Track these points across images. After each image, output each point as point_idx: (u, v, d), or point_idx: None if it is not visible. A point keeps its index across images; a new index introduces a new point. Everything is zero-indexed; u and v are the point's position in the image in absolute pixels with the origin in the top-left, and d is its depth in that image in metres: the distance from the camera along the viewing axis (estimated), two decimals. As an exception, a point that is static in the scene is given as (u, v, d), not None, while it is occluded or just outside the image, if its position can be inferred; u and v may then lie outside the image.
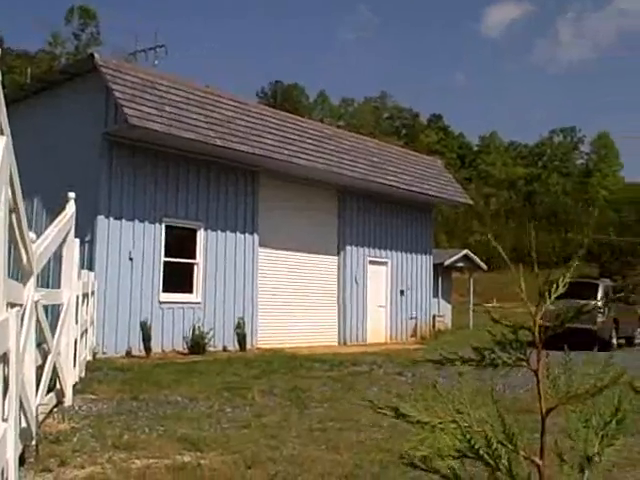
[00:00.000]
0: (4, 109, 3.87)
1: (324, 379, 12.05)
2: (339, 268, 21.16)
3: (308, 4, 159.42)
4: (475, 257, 32.67)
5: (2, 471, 3.45)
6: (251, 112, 17.91)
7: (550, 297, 1.39)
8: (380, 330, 22.35)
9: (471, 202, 27.37)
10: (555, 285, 1.41)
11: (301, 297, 19.75)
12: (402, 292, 23.34)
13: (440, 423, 1.23)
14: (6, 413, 3.56)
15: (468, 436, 1.20)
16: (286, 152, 17.79)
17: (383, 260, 22.68)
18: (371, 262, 22.19)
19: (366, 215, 22.08)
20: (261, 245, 18.44)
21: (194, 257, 16.88)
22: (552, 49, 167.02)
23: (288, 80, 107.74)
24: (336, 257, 21.15)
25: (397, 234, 23.28)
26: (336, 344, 20.56)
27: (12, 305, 4.17)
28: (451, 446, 1.21)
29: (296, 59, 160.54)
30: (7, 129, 3.98)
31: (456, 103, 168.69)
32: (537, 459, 1.25)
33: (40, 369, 6.84)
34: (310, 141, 18.91)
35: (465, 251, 32.61)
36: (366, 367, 14.11)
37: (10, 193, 4.18)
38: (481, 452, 1.19)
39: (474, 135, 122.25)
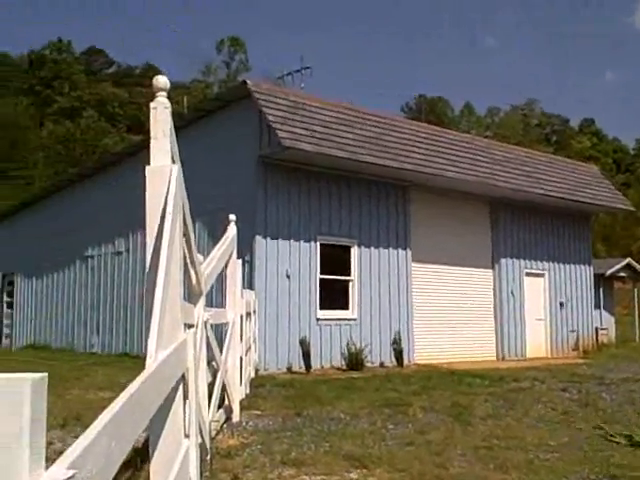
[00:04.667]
0: (175, 139, 4.08)
1: (485, 395, 11.77)
2: (494, 281, 20.71)
3: (447, 15, 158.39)
4: (639, 266, 31.04)
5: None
6: (399, 127, 17.94)
7: None
8: (539, 344, 21.64)
9: (633, 208, 26.03)
10: None
11: (457, 311, 19.49)
12: (562, 304, 22.51)
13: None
14: (187, 430, 3.73)
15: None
16: (436, 165, 17.67)
17: (540, 272, 21.99)
18: (527, 274, 21.57)
19: (520, 226, 21.51)
20: (414, 260, 18.37)
21: (349, 274, 17.05)
22: None
23: (432, 93, 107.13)
24: (491, 270, 20.73)
25: (554, 245, 22.52)
26: (494, 359, 20.11)
27: (188, 326, 4.37)
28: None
29: (439, 72, 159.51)
30: (177, 157, 4.18)
31: (609, 105, 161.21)
32: None
33: (210, 386, 7.10)
34: (461, 153, 18.69)
35: (627, 260, 31.04)
36: (528, 383, 13.66)
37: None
38: None
39: (630, 138, 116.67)
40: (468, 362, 18.13)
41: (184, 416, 3.59)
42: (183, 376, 3.54)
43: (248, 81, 15.58)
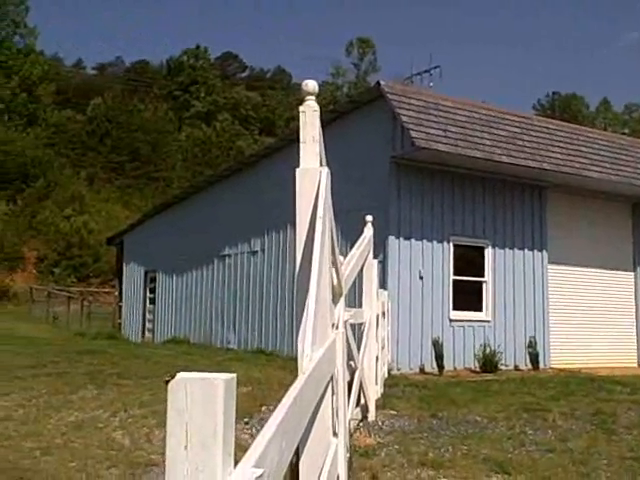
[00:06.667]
0: (322, 142, 4.13)
1: (628, 403, 11.25)
2: (636, 285, 19.78)
3: (585, 9, 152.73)
4: None
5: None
6: (537, 126, 17.43)
7: None
8: (686, 351, 20.47)
9: None
10: None
11: (595, 315, 18.73)
12: None
13: None
14: (336, 429, 3.78)
15: None
16: (576, 165, 17.06)
17: (687, 275, 20.80)
18: (672, 277, 20.45)
19: (666, 228, 20.42)
20: (550, 262, 17.81)
21: (482, 275, 16.74)
22: None
23: (566, 90, 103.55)
24: (632, 273, 19.80)
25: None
26: (635, 365, 19.20)
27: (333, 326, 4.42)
28: None
29: (574, 68, 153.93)
30: (324, 160, 4.23)
31: None
32: None
33: (348, 385, 7.16)
34: (601, 152, 17.94)
35: None
36: (674, 392, 12.97)
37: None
38: None
39: None
40: (606, 368, 17.37)
41: (332, 415, 3.64)
42: (331, 377, 3.59)
43: (382, 82, 15.58)
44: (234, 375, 1.34)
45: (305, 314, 2.92)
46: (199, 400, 1.25)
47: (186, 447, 1.27)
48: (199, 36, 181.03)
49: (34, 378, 11.49)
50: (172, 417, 1.29)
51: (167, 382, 1.31)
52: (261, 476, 1.31)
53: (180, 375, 1.30)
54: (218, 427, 1.25)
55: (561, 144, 17.26)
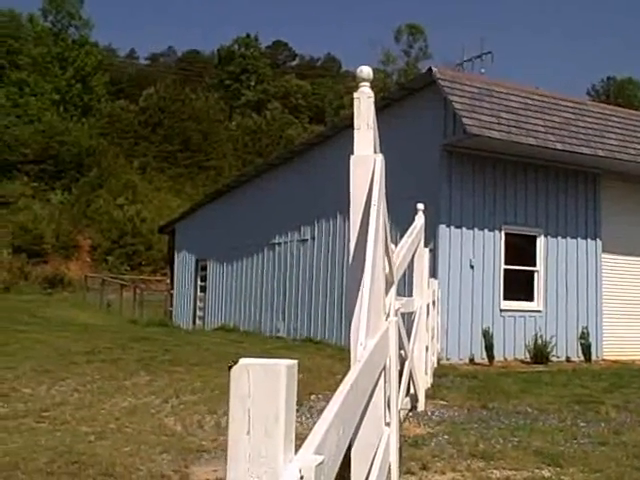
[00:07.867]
0: (377, 128, 4.11)
1: (684, 396, 11.03)
2: (694, 275, 19.29)
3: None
4: None
5: (388, 472, 3.65)
6: (591, 112, 17.10)
7: None
8: None
9: None
10: None
11: (651, 306, 18.35)
12: None
13: None
14: (388, 418, 3.77)
15: None
16: (631, 152, 16.70)
17: None
18: None
19: None
20: (605, 251, 17.48)
21: (534, 264, 16.52)
22: None
23: (621, 75, 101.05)
24: (690, 263, 19.32)
25: None
26: (693, 358, 18.76)
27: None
28: None
29: (629, 52, 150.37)
30: (378, 147, 4.21)
31: None
32: None
33: (398, 375, 7.15)
34: (658, 138, 17.54)
35: None
36: None
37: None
38: None
39: None
40: (663, 360, 17.04)
41: (384, 404, 3.63)
42: (384, 366, 3.58)
43: (434, 68, 15.42)
44: (295, 362, 1.35)
45: (359, 302, 2.92)
46: (261, 386, 1.26)
47: (248, 433, 1.28)
48: (249, 25, 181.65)
49: (89, 364, 11.72)
50: (234, 403, 1.30)
51: (230, 368, 1.32)
52: (322, 463, 1.31)
53: (243, 361, 1.31)
54: (280, 413, 1.26)
55: (616, 130, 16.91)
